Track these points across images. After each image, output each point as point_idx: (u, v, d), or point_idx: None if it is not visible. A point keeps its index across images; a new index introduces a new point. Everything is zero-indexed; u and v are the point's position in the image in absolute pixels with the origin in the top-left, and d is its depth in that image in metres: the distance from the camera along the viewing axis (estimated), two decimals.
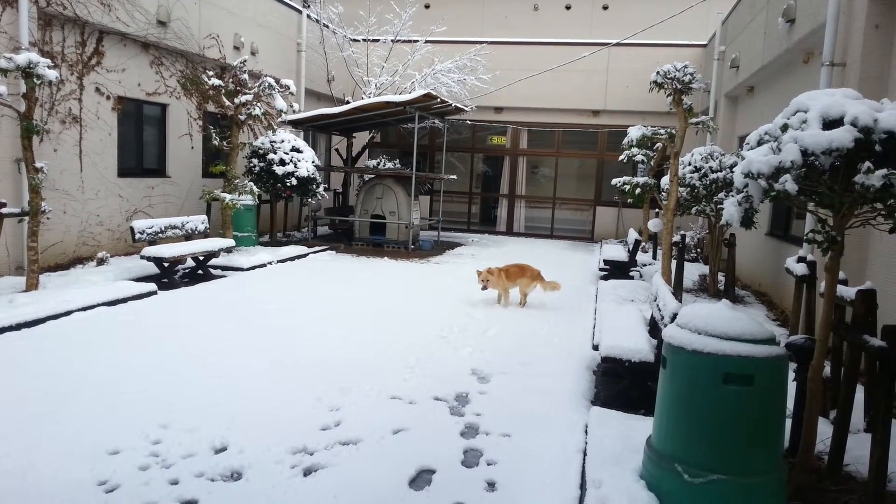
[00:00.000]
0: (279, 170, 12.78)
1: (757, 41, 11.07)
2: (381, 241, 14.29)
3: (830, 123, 3.34)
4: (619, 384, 5.65)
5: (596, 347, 5.94)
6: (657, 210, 14.47)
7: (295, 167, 12.94)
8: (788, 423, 3.91)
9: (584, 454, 4.15)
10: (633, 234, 11.54)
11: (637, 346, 5.40)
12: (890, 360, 3.34)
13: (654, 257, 13.19)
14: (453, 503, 3.57)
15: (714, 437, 3.27)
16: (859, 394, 4.57)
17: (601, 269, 11.78)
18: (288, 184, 12.87)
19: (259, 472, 3.82)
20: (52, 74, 7.49)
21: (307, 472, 3.85)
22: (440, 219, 17.00)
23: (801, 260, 5.18)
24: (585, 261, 14.15)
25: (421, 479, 3.85)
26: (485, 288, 8.77)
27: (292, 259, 11.92)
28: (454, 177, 17.35)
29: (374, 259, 12.71)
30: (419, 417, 4.76)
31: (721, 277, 10.33)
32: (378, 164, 17.38)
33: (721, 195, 9.35)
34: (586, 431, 4.53)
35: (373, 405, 4.96)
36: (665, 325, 4.52)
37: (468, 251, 14.69)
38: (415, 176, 13.97)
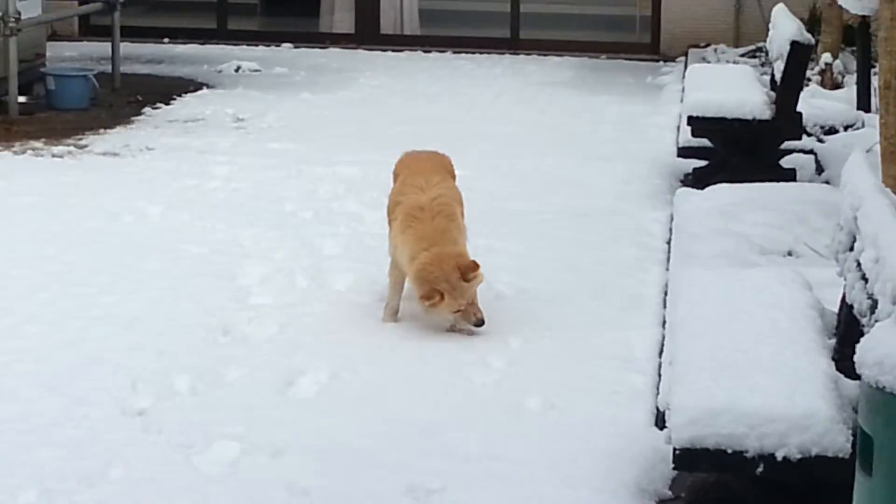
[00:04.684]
0: None
1: None
2: None
3: None
4: None
5: (662, 423, 3.02)
6: None
7: None
8: None
9: None
10: (788, 25, 5.88)
11: (795, 408, 2.66)
12: None
13: (865, 106, 7.18)
14: None
15: None
16: None
17: (682, 150, 7.17)
18: None
19: None
20: None
21: None
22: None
23: None
24: (630, 123, 7.78)
25: None
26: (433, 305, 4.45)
27: None
28: None
29: None
30: None
31: None
32: None
33: None
34: None
35: None
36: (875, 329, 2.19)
37: (222, 107, 7.84)
38: None
